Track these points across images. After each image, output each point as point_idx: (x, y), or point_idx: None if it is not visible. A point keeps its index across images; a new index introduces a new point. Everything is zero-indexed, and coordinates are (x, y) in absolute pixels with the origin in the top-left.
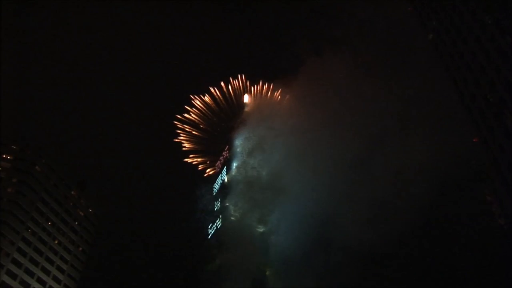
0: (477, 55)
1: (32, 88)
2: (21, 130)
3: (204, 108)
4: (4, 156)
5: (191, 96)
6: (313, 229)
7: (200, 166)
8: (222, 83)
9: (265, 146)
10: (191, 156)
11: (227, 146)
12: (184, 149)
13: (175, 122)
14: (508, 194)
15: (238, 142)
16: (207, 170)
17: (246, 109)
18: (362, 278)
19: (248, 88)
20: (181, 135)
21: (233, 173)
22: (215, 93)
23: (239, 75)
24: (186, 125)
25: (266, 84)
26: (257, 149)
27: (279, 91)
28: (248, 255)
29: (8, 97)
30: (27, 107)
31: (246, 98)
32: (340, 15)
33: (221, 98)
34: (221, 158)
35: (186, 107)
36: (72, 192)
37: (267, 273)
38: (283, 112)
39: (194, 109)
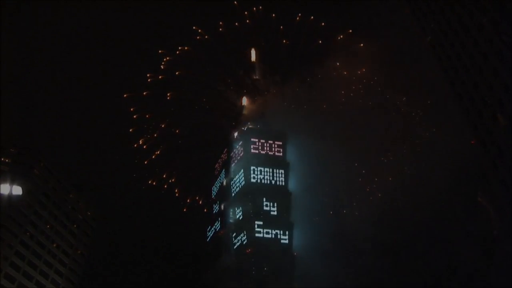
0: (474, 57)
1: (31, 92)
2: (19, 133)
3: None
4: (2, 159)
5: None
6: (325, 226)
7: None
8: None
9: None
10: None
11: (226, 149)
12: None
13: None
14: (506, 196)
15: (240, 143)
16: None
17: (245, 111)
18: (369, 273)
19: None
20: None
21: (239, 175)
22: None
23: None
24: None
25: None
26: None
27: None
28: (249, 257)
29: (7, 100)
30: (26, 110)
31: (245, 101)
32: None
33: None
34: (219, 160)
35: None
36: (71, 195)
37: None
38: (295, 105)
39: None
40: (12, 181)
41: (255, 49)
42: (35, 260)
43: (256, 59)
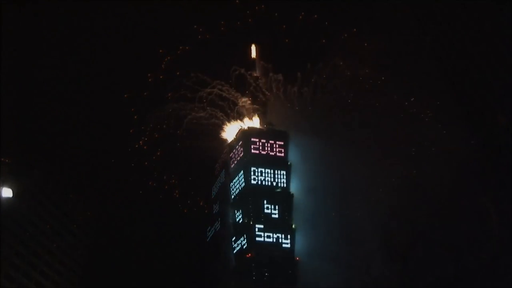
0: (474, 57)
1: (31, 91)
2: (19, 134)
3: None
4: (2, 159)
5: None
6: (328, 230)
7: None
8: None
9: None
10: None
11: (225, 149)
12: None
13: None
14: (506, 196)
15: (240, 143)
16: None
17: (245, 110)
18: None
19: None
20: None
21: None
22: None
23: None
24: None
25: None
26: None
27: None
28: (249, 262)
29: (7, 99)
30: (26, 111)
31: (245, 99)
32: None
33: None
34: (219, 161)
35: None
36: (71, 195)
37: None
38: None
39: None
40: (2, 183)
41: (255, 46)
42: (35, 260)
43: (256, 56)
